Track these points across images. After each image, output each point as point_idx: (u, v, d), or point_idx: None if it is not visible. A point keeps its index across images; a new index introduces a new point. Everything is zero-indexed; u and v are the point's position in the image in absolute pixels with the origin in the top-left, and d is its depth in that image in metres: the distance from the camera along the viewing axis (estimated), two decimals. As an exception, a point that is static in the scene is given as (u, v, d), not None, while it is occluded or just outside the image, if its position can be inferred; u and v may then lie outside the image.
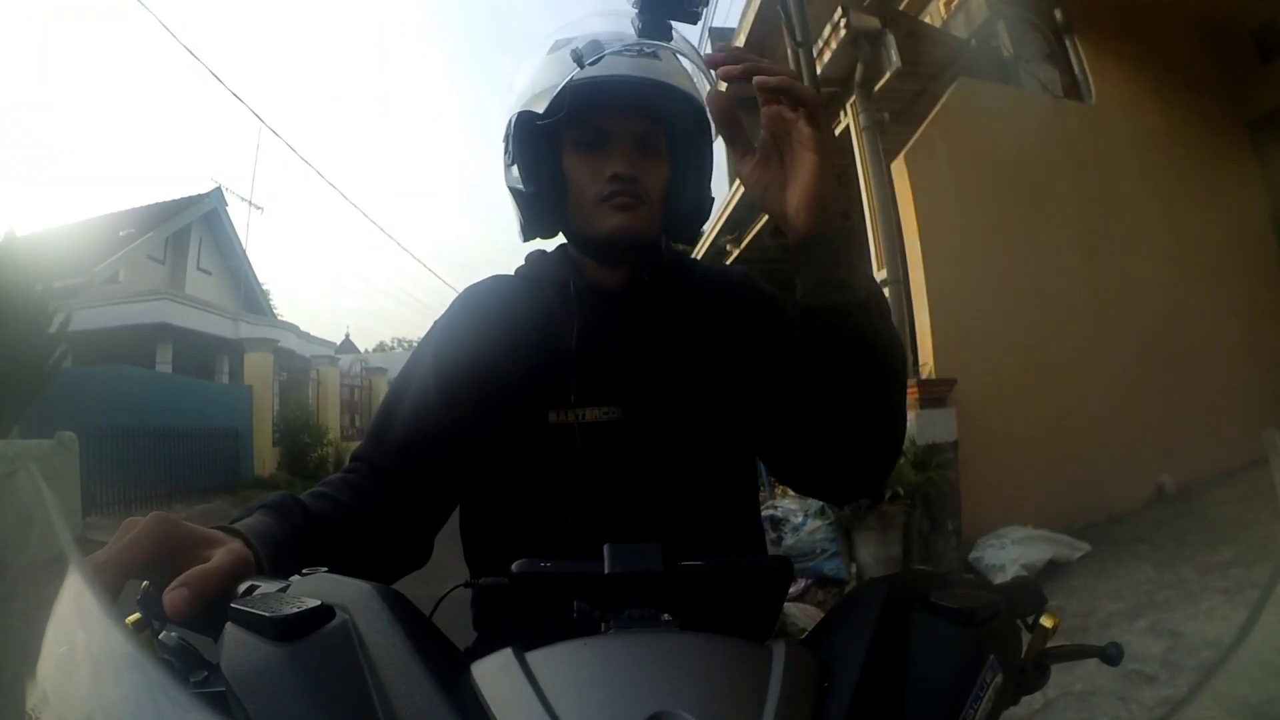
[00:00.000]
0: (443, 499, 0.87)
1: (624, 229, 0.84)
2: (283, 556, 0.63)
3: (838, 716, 0.43)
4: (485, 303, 0.93)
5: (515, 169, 0.89)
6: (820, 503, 4.26)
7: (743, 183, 0.74)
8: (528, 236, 0.93)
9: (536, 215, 0.90)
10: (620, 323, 0.88)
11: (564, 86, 0.80)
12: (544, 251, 0.97)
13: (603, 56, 0.78)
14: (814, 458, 0.82)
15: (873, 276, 0.74)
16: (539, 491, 0.84)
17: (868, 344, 0.74)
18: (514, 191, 0.90)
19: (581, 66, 0.78)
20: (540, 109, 0.82)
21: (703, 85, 0.87)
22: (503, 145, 0.91)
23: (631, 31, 0.77)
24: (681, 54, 0.82)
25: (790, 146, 0.71)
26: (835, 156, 0.67)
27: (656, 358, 0.86)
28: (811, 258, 0.73)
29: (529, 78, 0.87)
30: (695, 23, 0.78)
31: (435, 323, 0.94)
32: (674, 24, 0.77)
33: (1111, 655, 0.61)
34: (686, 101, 0.86)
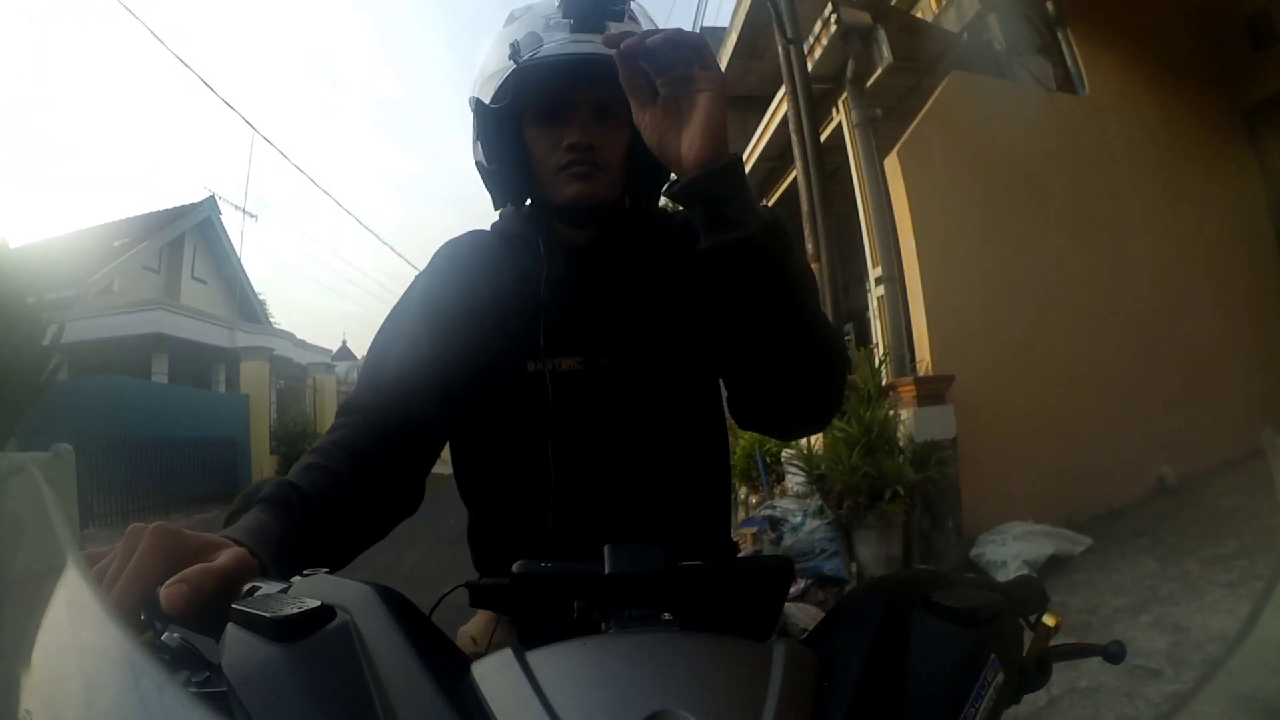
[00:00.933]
0: (433, 439, 0.91)
1: (582, 195, 0.88)
2: (285, 553, 0.64)
3: (837, 716, 0.43)
4: (465, 257, 0.98)
5: (479, 145, 0.93)
6: (819, 502, 4.25)
7: (643, 131, 0.74)
8: (499, 205, 0.98)
9: (503, 187, 0.94)
10: (590, 277, 0.92)
11: (508, 76, 0.85)
12: (517, 209, 1.00)
13: (539, 50, 0.83)
14: (753, 393, 0.85)
15: (767, 210, 0.73)
16: (520, 434, 0.89)
17: (767, 276, 0.72)
18: (480, 166, 0.95)
19: (518, 63, 0.83)
20: (488, 96, 0.88)
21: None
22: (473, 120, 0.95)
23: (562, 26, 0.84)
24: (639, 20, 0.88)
25: (686, 89, 0.71)
26: (726, 93, 0.68)
27: (626, 308, 0.90)
28: (702, 195, 0.71)
29: (482, 60, 0.92)
30: (621, 19, 0.82)
31: (417, 276, 0.99)
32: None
33: (1114, 654, 0.60)
34: None
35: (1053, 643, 0.59)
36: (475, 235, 1.01)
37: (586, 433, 0.88)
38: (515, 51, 0.82)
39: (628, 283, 0.92)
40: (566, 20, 0.84)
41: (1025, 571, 3.79)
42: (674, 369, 0.90)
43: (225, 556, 0.55)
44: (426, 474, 0.90)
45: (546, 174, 0.90)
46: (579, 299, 0.90)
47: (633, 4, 0.88)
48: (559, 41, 0.84)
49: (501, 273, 0.94)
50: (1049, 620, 0.59)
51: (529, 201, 0.97)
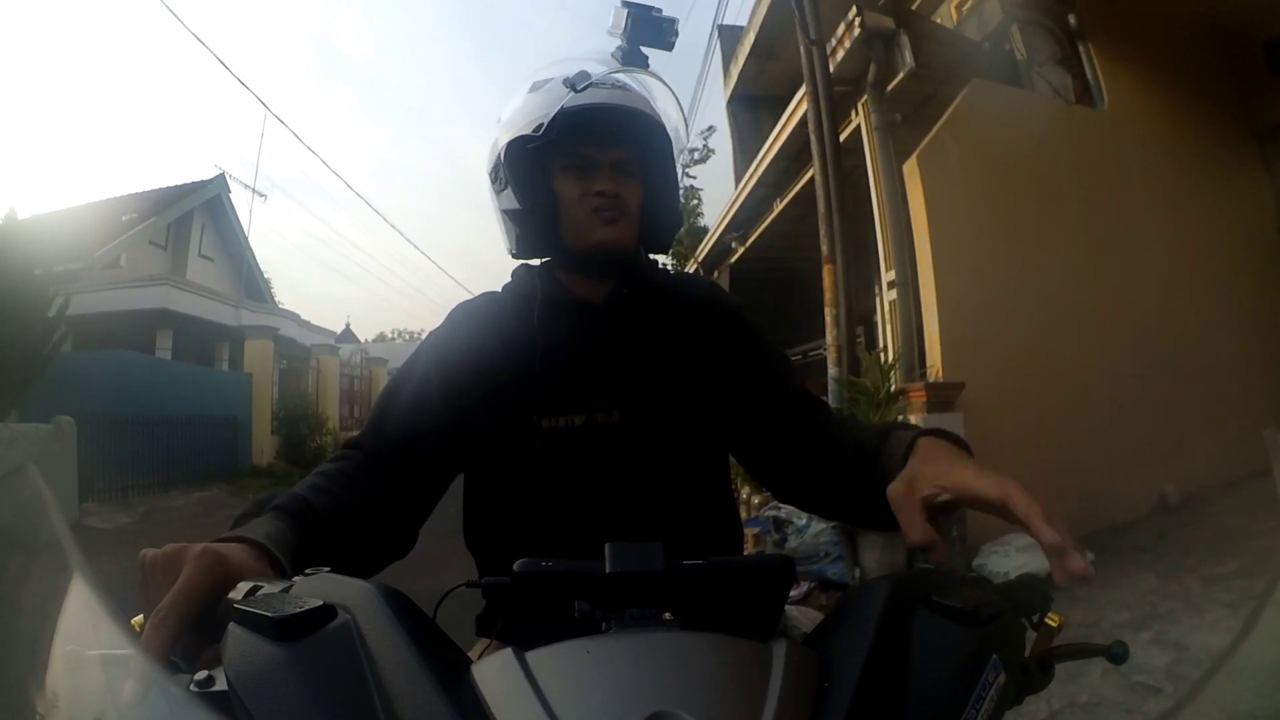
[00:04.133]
0: (431, 488, 0.93)
1: (612, 240, 0.94)
2: (300, 561, 0.65)
3: (837, 716, 0.43)
4: (479, 316, 1.02)
5: (509, 192, 0.98)
6: (824, 505, 4.25)
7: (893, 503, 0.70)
8: (519, 254, 1.03)
9: (531, 231, 0.99)
10: (601, 335, 0.97)
11: (557, 112, 0.91)
12: (529, 267, 1.05)
13: (591, 83, 0.91)
14: (809, 483, 0.95)
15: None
16: (523, 486, 0.93)
17: None
18: (508, 212, 1.00)
19: (576, 90, 0.91)
20: (531, 130, 0.94)
21: (670, 110, 1.00)
22: (490, 174, 1.02)
23: (605, 66, 0.94)
24: (651, 86, 0.98)
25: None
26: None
27: (634, 367, 0.95)
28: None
29: (517, 110, 0.98)
30: (669, 49, 0.94)
31: (430, 333, 1.04)
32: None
33: (1117, 654, 0.60)
34: (656, 127, 0.97)
35: (1056, 643, 0.60)
36: (489, 296, 1.06)
37: (585, 486, 0.91)
38: (570, 83, 0.91)
39: (638, 342, 0.97)
40: (602, 63, 0.96)
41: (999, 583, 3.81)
42: (676, 424, 0.94)
43: (195, 570, 0.53)
44: (421, 521, 0.93)
45: (576, 219, 0.95)
46: (587, 357, 0.95)
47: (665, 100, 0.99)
48: (605, 73, 0.94)
49: (513, 331, 0.97)
50: (1052, 620, 0.59)
51: (548, 252, 1.02)
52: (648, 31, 0.96)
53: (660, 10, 0.95)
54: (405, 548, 0.91)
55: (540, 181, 0.96)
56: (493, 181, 1.01)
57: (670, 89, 0.99)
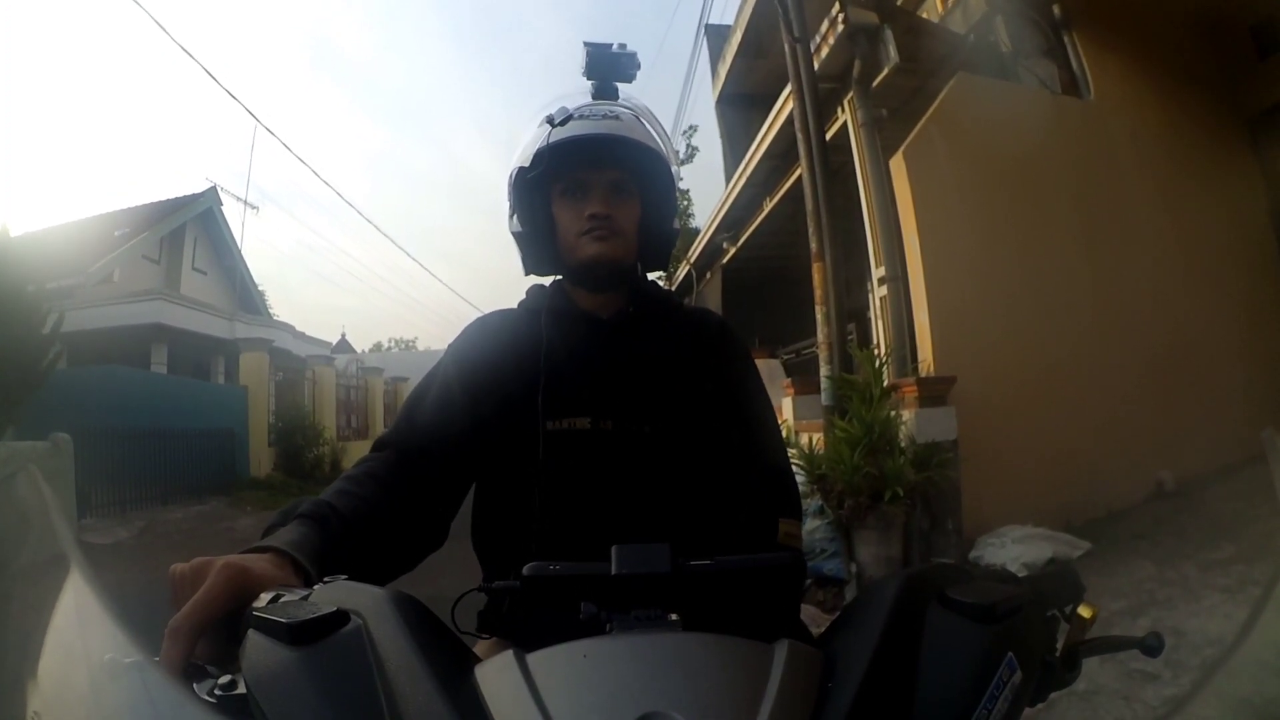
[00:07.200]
0: (458, 484, 0.98)
1: (601, 255, 1.02)
2: (327, 565, 0.68)
3: (838, 716, 0.42)
4: (494, 329, 1.10)
5: (516, 217, 1.08)
6: (819, 501, 4.25)
7: None
8: (528, 271, 1.12)
9: (534, 251, 1.09)
10: (607, 346, 1.04)
11: (543, 146, 1.00)
12: (541, 286, 1.13)
13: (570, 117, 1.00)
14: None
15: None
16: (535, 487, 0.96)
17: None
18: (515, 234, 1.09)
19: (553, 126, 1.00)
20: (527, 163, 1.03)
21: (659, 138, 1.07)
22: (507, 201, 1.10)
23: (598, 103, 1.05)
24: (639, 114, 1.06)
25: None
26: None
27: (634, 378, 1.01)
28: None
29: (522, 144, 1.07)
30: (630, 82, 1.09)
31: (451, 343, 1.10)
32: (626, 87, 1.10)
33: (1152, 646, 0.59)
34: (644, 151, 1.03)
35: (1090, 634, 0.58)
36: (503, 311, 1.14)
37: (591, 486, 0.96)
38: (550, 119, 1.01)
39: (640, 355, 1.03)
40: (588, 94, 1.07)
41: (1024, 575, 3.81)
42: (667, 436, 0.99)
43: (216, 581, 0.56)
44: (452, 515, 0.97)
45: (570, 239, 1.03)
46: (591, 364, 1.01)
47: (654, 129, 1.07)
48: (583, 108, 1.02)
49: (524, 342, 1.04)
50: (1085, 612, 0.58)
51: (551, 268, 1.11)
52: (608, 67, 1.09)
53: (624, 45, 1.09)
54: (437, 541, 0.94)
55: (540, 206, 1.06)
56: (508, 206, 1.10)
57: (646, 113, 1.08)
